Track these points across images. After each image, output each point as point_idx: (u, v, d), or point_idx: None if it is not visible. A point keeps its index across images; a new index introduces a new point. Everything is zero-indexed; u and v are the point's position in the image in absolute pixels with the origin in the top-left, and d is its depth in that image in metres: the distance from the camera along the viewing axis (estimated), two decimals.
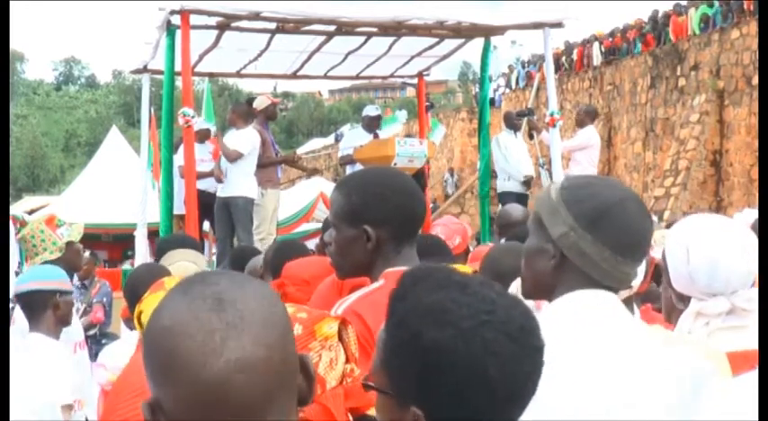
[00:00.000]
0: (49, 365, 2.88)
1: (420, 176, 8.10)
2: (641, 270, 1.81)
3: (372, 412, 1.49)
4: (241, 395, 0.88)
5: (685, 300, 1.90)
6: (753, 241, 1.85)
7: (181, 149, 7.02)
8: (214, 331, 0.88)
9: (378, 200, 1.83)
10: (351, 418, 1.45)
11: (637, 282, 1.81)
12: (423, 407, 1.07)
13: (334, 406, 1.39)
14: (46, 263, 3.80)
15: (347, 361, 1.46)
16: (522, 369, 1.08)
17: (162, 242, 4.63)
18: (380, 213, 1.82)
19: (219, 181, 7.28)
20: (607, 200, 1.46)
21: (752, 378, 1.25)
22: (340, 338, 1.46)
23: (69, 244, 4.04)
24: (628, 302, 1.78)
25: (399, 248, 1.85)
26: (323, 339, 1.41)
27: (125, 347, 2.89)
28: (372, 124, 8.44)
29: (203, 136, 8.08)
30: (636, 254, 1.48)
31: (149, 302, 2.19)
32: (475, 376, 1.05)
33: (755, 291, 1.82)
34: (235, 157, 7.08)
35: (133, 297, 2.38)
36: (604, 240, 1.45)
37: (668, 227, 4.69)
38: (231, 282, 0.93)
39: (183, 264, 3.25)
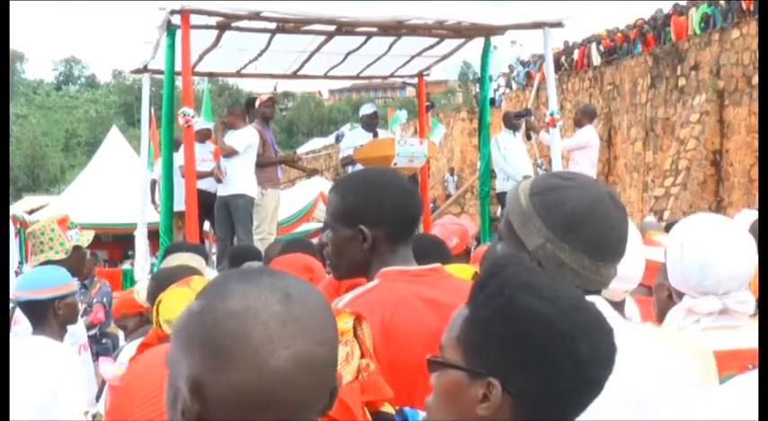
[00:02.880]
0: (58, 369, 2.87)
1: (415, 183, 8.12)
2: (634, 274, 1.78)
3: (387, 408, 1.50)
4: (298, 388, 0.90)
5: (681, 296, 1.91)
6: (749, 244, 1.84)
7: (182, 148, 7.03)
8: (285, 322, 0.91)
9: (373, 200, 1.83)
10: (367, 413, 1.46)
11: (630, 287, 1.78)
12: (502, 376, 1.07)
13: (351, 400, 1.41)
14: (49, 262, 3.80)
15: (362, 356, 1.47)
16: (606, 358, 1.10)
17: (169, 249, 4.70)
18: (376, 213, 1.82)
19: (219, 181, 7.28)
20: (581, 204, 1.41)
21: (742, 380, 1.26)
22: (355, 334, 1.47)
23: (76, 248, 4.04)
24: (620, 305, 1.77)
25: (395, 248, 1.85)
26: (339, 334, 1.43)
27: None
28: (371, 122, 8.44)
29: (204, 136, 8.08)
30: (615, 254, 1.45)
31: (171, 294, 2.19)
32: (568, 351, 1.06)
33: (748, 294, 1.83)
34: (228, 153, 7.10)
35: (158, 290, 2.37)
36: (583, 248, 1.40)
37: (667, 227, 4.70)
38: (297, 281, 0.97)
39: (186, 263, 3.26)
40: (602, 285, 1.45)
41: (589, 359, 1.07)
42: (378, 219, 1.82)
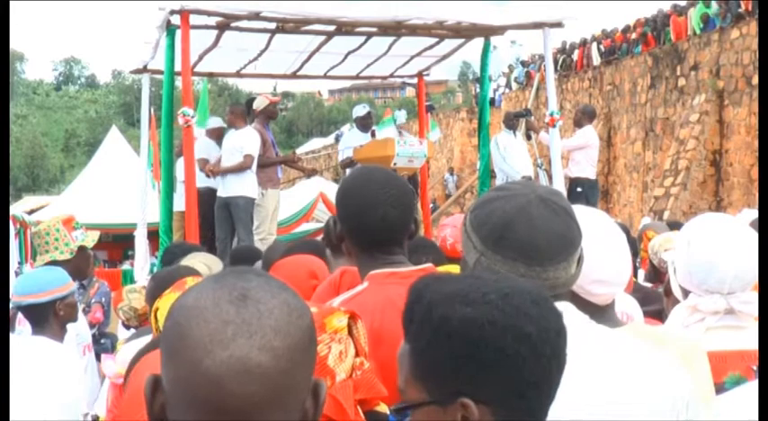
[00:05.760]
0: (60, 371, 2.87)
1: (415, 183, 8.13)
2: (618, 278, 1.74)
3: (382, 408, 1.50)
4: (233, 393, 0.86)
5: (688, 294, 1.91)
6: (756, 245, 1.83)
7: (198, 147, 7.06)
8: (228, 323, 0.87)
9: (341, 214, 1.92)
10: (360, 411, 1.46)
11: (616, 291, 1.74)
12: (470, 392, 1.07)
13: (344, 397, 1.41)
14: (54, 262, 3.79)
15: (357, 354, 1.47)
16: (554, 326, 1.10)
17: (170, 248, 4.72)
18: (344, 226, 1.91)
19: (208, 176, 7.22)
20: (506, 214, 1.40)
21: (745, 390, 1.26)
22: (350, 332, 1.47)
23: (81, 249, 4.03)
24: (607, 309, 1.73)
25: (373, 255, 1.88)
26: (332, 332, 1.44)
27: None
28: (365, 123, 8.49)
29: (218, 134, 8.04)
30: (554, 255, 1.40)
31: (167, 300, 2.18)
32: (519, 340, 1.06)
33: (754, 295, 1.82)
34: (249, 163, 7.09)
35: (156, 294, 2.37)
36: (514, 256, 1.39)
37: (669, 226, 4.70)
38: (263, 284, 0.93)
39: (196, 263, 3.25)
40: (554, 288, 1.40)
41: (540, 336, 1.07)
42: (346, 231, 1.90)
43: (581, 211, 1.68)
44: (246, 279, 0.92)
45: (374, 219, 1.84)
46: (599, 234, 1.65)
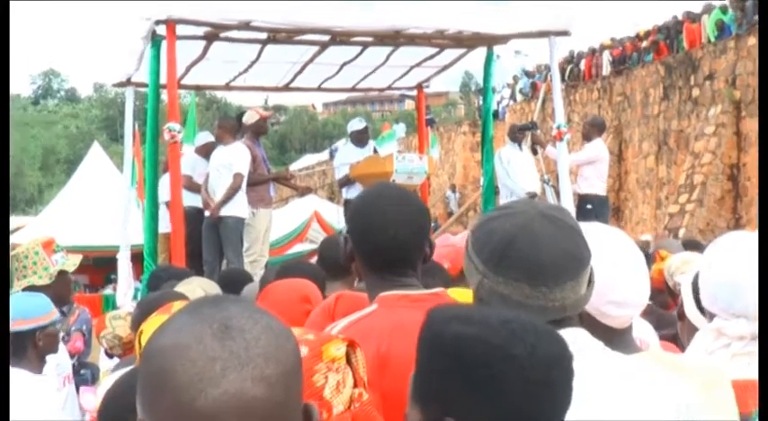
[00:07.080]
0: (35, 406, 2.84)
1: None
2: (636, 299, 1.70)
3: None
4: None
5: (713, 318, 1.90)
6: None
7: (184, 164, 7.08)
8: (215, 359, 0.87)
9: (351, 232, 1.94)
10: None
11: (633, 313, 1.72)
12: (455, 412, 1.10)
13: None
14: (31, 288, 3.76)
15: (355, 385, 1.46)
16: (551, 356, 1.12)
17: (156, 272, 4.72)
18: (354, 245, 1.92)
19: (207, 207, 7.23)
20: (506, 233, 1.41)
21: None
22: (348, 362, 1.46)
23: (62, 273, 4.00)
24: (625, 332, 1.72)
25: (383, 276, 1.88)
26: (329, 361, 1.42)
27: None
28: (361, 137, 8.50)
29: (207, 149, 8.06)
30: (560, 274, 1.39)
31: (152, 323, 2.18)
32: (504, 360, 1.09)
33: None
34: (240, 183, 7.10)
35: (142, 317, 2.39)
36: (516, 277, 1.39)
37: (685, 244, 4.69)
38: (242, 310, 0.92)
39: (195, 289, 3.25)
40: (562, 310, 1.40)
41: (530, 361, 1.09)
42: (357, 252, 1.91)
43: (596, 229, 1.68)
44: (224, 308, 0.91)
45: (385, 238, 1.84)
46: (615, 252, 1.64)
